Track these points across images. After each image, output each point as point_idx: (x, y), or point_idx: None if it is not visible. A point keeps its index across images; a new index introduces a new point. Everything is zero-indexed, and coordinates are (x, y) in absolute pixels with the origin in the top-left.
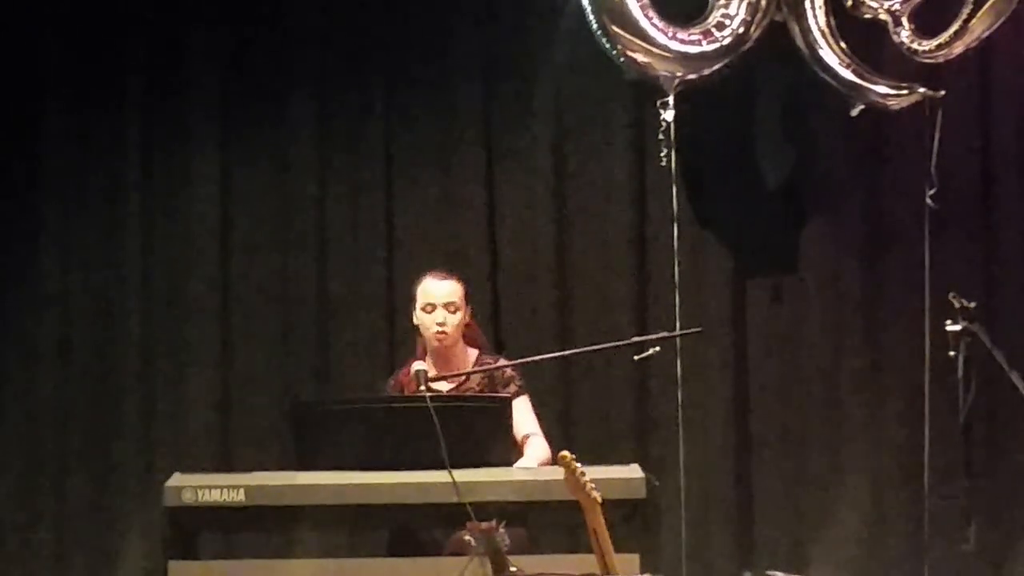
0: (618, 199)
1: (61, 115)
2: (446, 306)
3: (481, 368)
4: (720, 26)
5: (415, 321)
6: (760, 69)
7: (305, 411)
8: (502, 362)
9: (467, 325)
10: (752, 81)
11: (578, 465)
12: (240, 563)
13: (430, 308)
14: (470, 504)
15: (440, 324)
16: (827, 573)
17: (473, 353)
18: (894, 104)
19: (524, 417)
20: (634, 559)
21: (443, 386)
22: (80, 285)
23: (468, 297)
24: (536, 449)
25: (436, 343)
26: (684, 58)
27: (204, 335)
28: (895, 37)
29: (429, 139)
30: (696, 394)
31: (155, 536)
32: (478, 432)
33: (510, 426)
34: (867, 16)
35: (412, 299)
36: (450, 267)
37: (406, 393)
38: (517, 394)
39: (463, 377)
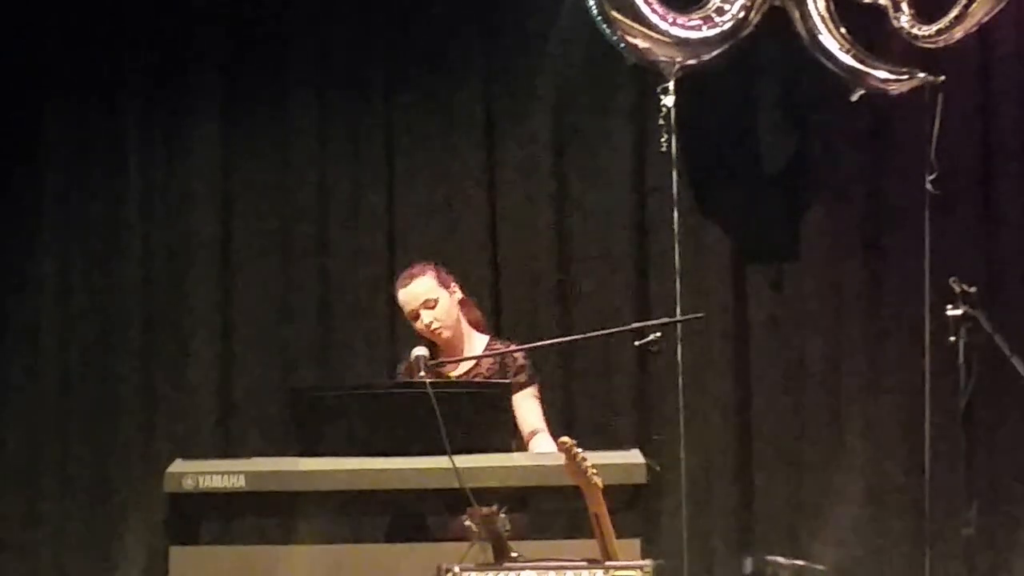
0: (618, 185)
1: (61, 102)
2: (424, 305)
3: (486, 354)
4: (720, 11)
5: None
6: (760, 54)
7: (305, 397)
8: (511, 347)
9: (461, 302)
10: (752, 67)
11: (579, 450)
12: (241, 549)
13: (413, 315)
14: (471, 489)
15: (428, 324)
16: (828, 558)
17: (483, 339)
18: (894, 89)
19: (530, 411)
20: (635, 544)
21: (453, 371)
22: (80, 272)
23: (445, 279)
24: (541, 448)
25: (436, 338)
26: (684, 43)
27: (205, 322)
28: (895, 22)
29: (430, 126)
30: (697, 379)
31: (156, 522)
32: (479, 417)
33: (510, 411)
34: (867, 1)
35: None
36: (448, 252)
37: (414, 376)
38: (526, 384)
39: (472, 363)
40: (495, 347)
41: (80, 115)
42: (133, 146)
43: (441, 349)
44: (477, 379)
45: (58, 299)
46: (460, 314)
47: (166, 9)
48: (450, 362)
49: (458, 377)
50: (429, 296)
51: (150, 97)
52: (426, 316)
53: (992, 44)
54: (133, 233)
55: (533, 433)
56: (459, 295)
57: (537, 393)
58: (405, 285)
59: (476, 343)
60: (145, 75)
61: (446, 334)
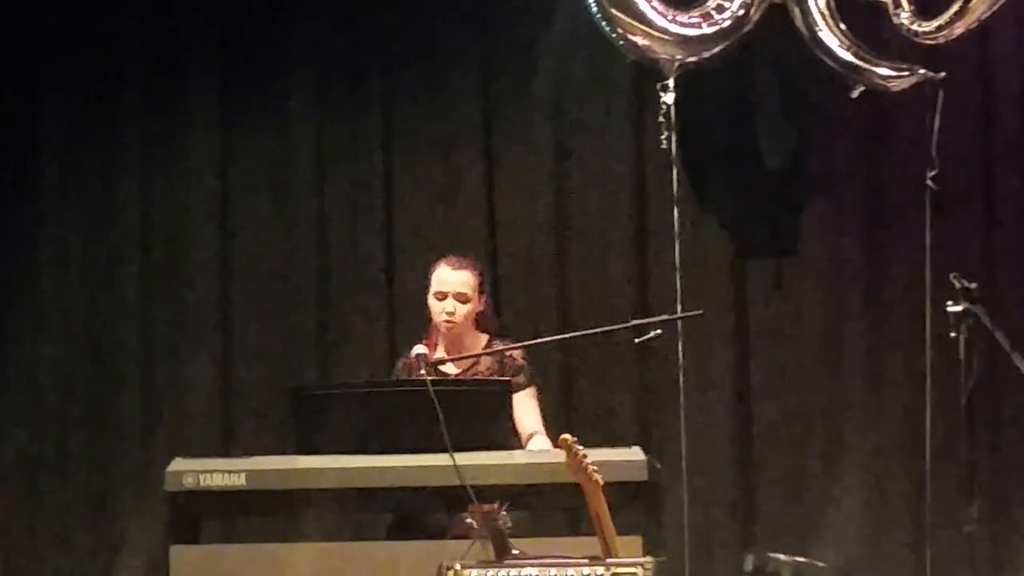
0: (618, 182)
1: (60, 95)
2: (457, 296)
3: (485, 352)
4: (720, 8)
5: (429, 304)
6: (760, 51)
7: (305, 395)
8: (510, 345)
9: (480, 313)
10: (752, 63)
11: (580, 447)
12: (241, 547)
13: (441, 296)
14: (472, 487)
15: (449, 313)
16: (829, 554)
17: (484, 339)
18: (894, 86)
19: (529, 413)
20: (636, 541)
21: (452, 370)
22: (79, 270)
23: (483, 285)
24: (537, 449)
25: (444, 330)
26: (684, 41)
27: (204, 320)
28: (895, 18)
29: (428, 124)
30: (697, 376)
31: (156, 521)
32: (479, 415)
33: (511, 409)
34: None
35: (428, 281)
36: (449, 249)
37: (412, 376)
38: (526, 385)
39: (472, 361)
40: (494, 346)
41: (78, 112)
42: (131, 144)
43: (443, 345)
44: (476, 377)
45: (57, 297)
46: (473, 323)
47: (164, 5)
48: (450, 360)
49: (457, 375)
50: (465, 292)
51: (149, 94)
52: (450, 305)
53: (993, 40)
54: (131, 230)
55: (531, 435)
56: (483, 308)
57: (536, 394)
58: (453, 267)
59: (478, 345)
60: (143, 72)
61: (456, 330)
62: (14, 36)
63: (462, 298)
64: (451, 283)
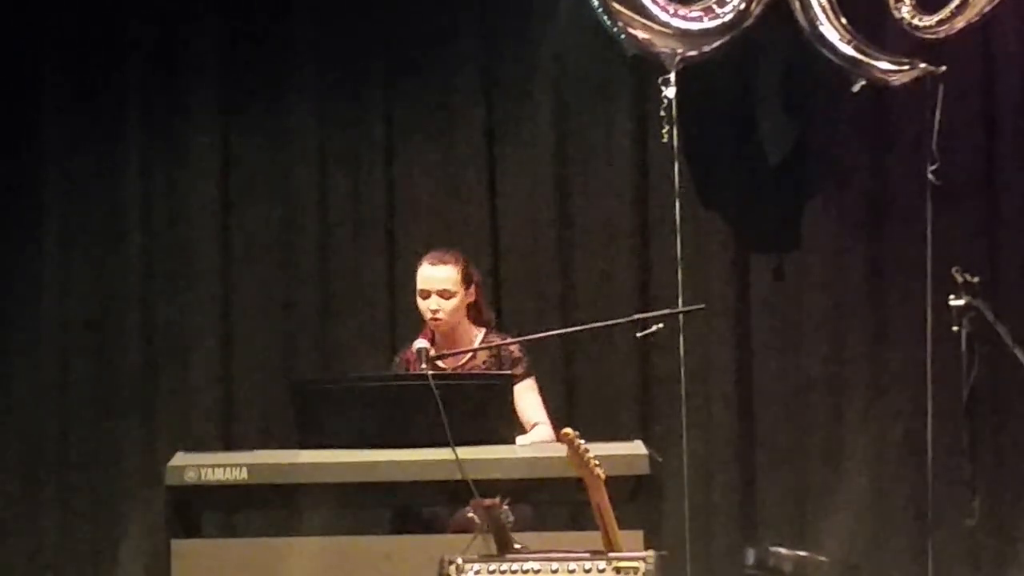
0: (620, 177)
1: (60, 95)
2: (440, 293)
3: (483, 346)
4: (721, 2)
5: (417, 304)
6: (761, 46)
7: (307, 389)
8: (507, 340)
9: (471, 304)
10: (753, 58)
11: (581, 442)
12: (243, 541)
13: (424, 294)
14: (473, 481)
15: (433, 311)
16: (831, 548)
17: (480, 332)
18: (895, 80)
19: (530, 402)
20: (638, 535)
21: (449, 364)
22: (81, 266)
23: (470, 276)
24: (539, 437)
25: (433, 327)
26: (685, 35)
27: (206, 314)
28: (896, 12)
29: (430, 119)
30: (699, 371)
31: (158, 515)
32: (480, 409)
33: (512, 403)
34: None
35: (414, 280)
36: (450, 244)
37: (411, 370)
38: (524, 376)
39: (469, 355)
40: (491, 340)
41: (78, 112)
42: (133, 143)
43: (438, 341)
44: (474, 371)
45: (59, 293)
46: (466, 314)
47: (165, 5)
48: (451, 354)
49: (454, 369)
50: (448, 287)
51: (149, 95)
52: (434, 303)
53: (993, 33)
54: (132, 225)
55: (534, 425)
56: (473, 298)
57: (535, 385)
58: (433, 264)
59: (473, 339)
60: (144, 72)
61: (444, 327)
62: (14, 36)
63: (445, 294)
64: (432, 280)
